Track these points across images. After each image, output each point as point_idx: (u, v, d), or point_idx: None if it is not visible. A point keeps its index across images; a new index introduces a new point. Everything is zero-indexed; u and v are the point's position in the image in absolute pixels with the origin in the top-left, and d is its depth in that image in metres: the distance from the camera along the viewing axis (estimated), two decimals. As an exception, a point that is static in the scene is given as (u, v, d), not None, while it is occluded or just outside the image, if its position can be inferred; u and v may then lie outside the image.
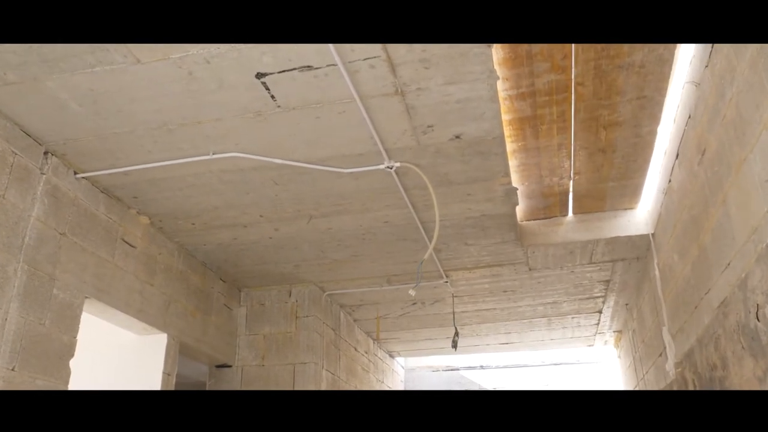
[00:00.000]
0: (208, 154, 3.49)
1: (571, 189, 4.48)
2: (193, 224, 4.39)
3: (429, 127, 3.31)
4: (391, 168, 3.63)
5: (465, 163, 3.68)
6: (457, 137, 3.41)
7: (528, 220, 4.94)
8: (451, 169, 3.75)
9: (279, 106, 3.09)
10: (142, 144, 3.41)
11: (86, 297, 3.60)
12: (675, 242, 4.08)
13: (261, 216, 4.29)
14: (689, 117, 3.34)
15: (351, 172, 3.71)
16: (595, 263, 5.34)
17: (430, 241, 3.64)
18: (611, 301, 6.46)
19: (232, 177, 3.77)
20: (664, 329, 4.68)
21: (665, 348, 4.78)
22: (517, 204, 4.24)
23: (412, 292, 3.57)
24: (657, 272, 4.72)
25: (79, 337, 3.52)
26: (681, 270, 4.00)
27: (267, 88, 2.96)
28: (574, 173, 4.26)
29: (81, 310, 3.53)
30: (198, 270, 4.96)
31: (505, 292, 6.08)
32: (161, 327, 4.31)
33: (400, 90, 3.00)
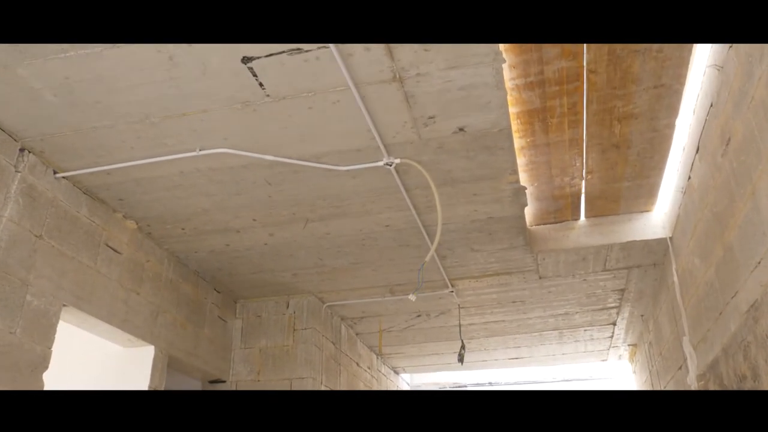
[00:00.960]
0: (195, 151, 3.27)
1: (583, 190, 4.23)
2: (183, 229, 4.15)
3: (430, 118, 3.07)
4: (391, 165, 3.39)
5: (469, 159, 3.44)
6: (461, 130, 3.17)
7: (538, 225, 4.68)
8: (454, 166, 3.50)
9: (268, 96, 2.87)
10: (124, 140, 3.19)
11: (64, 305, 3.36)
12: (695, 245, 3.81)
13: (254, 220, 4.06)
14: (711, 105, 3.09)
15: (348, 170, 3.47)
16: (609, 270, 5.06)
17: (433, 244, 3.39)
18: (626, 312, 6.16)
19: (221, 176, 3.54)
20: (685, 339, 4.39)
21: (686, 360, 4.49)
22: (526, 205, 3.98)
23: (412, 297, 3.32)
24: (676, 278, 4.44)
25: (57, 347, 3.27)
26: (703, 274, 3.72)
27: (254, 75, 2.73)
28: (587, 172, 4.01)
29: (57, 319, 3.28)
30: (190, 279, 4.71)
31: (513, 302, 5.80)
32: (148, 339, 4.05)
33: (398, 76, 2.77)
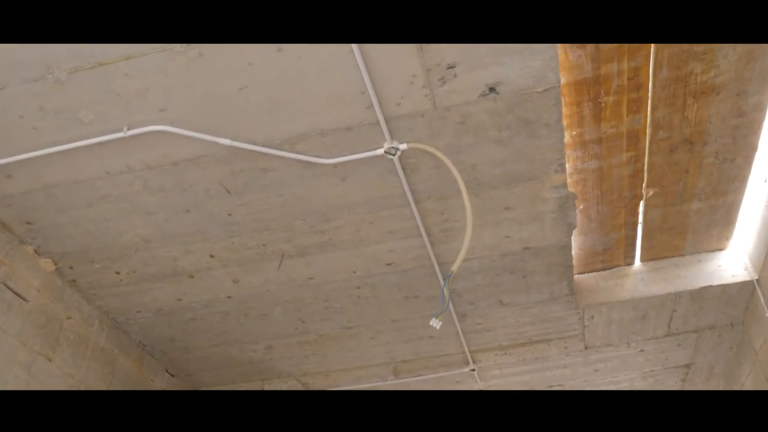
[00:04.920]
0: (122, 131, 2.35)
1: (640, 218, 3.28)
2: (118, 273, 3.12)
3: (450, 68, 2.19)
4: (394, 153, 2.46)
5: (502, 144, 2.52)
6: (492, 90, 2.28)
7: (581, 273, 3.67)
8: (481, 158, 2.57)
9: (219, 26, 2.01)
10: (21, 114, 2.28)
11: None
12: (810, 272, 2.80)
13: (212, 256, 3.04)
14: (835, 50, 2.24)
15: (335, 164, 2.54)
16: (673, 335, 3.96)
17: (462, 251, 2.39)
18: (688, 401, 4.93)
19: (162, 179, 2.59)
20: (800, 416, 3.21)
21: (801, 448, 3.28)
22: (575, 226, 3.01)
23: (435, 324, 2.29)
24: (773, 334, 3.36)
25: None
26: (831, 308, 2.68)
27: (197, -14, 1.89)
28: (646, 186, 3.08)
29: None
30: (131, 352, 3.59)
31: (551, 387, 4.60)
32: (57, 425, 2.88)
33: (404, -14, 1.93)
